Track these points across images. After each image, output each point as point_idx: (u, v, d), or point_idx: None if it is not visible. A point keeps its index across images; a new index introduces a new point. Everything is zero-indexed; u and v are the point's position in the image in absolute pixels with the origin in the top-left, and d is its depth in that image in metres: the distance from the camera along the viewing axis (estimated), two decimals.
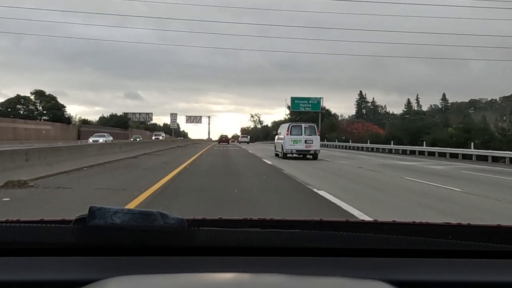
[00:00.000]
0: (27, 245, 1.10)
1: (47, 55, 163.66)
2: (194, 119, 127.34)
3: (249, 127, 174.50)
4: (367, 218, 6.62)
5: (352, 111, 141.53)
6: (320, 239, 1.13)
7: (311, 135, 24.57)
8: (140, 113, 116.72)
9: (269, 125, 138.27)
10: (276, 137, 28.30)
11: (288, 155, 24.55)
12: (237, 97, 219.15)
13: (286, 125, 26.28)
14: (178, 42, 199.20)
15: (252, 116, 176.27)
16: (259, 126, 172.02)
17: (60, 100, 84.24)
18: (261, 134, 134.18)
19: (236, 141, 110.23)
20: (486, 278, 1.08)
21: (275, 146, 28.09)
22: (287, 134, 24.44)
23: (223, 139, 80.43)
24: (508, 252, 1.15)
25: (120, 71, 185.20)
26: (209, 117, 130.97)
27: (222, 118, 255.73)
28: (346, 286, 1.00)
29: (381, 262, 1.13)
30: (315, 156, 24.33)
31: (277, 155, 26.70)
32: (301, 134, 24.37)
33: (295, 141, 24.25)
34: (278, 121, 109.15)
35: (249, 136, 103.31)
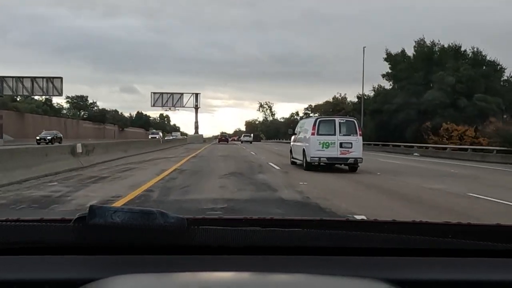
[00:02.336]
0: (27, 244, 1.10)
1: (37, 48, 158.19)
2: (169, 99, 73.95)
3: (256, 120, 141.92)
4: None
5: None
6: (320, 238, 1.13)
7: (349, 134, 16.08)
8: (34, 78, 51.67)
9: (301, 114, 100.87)
10: (293, 138, 19.82)
11: (314, 163, 16.07)
12: (236, 92, 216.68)
13: (311, 120, 17.87)
14: (170, 34, 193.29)
15: (261, 106, 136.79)
16: (270, 118, 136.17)
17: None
18: (283, 127, 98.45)
19: (236, 138, 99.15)
20: (486, 278, 1.08)
21: (291, 150, 19.80)
22: (312, 134, 16.09)
23: (223, 138, 74.05)
24: (508, 251, 1.15)
25: (114, 65, 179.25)
26: (196, 95, 77.13)
27: (222, 113, 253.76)
28: (346, 285, 1.00)
29: (381, 261, 1.13)
30: (353, 167, 16.14)
31: (293, 163, 18.75)
32: (334, 134, 16.00)
33: (325, 144, 15.87)
34: (316, 105, 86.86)
35: (252, 135, 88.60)
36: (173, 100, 76.58)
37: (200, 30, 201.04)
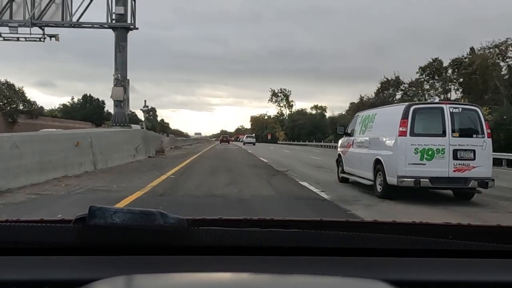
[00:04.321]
0: (27, 244, 1.10)
1: (25, 42, 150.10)
2: None
3: (265, 115, 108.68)
4: None
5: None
6: (320, 239, 1.13)
7: (469, 134, 9.20)
8: None
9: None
10: (342, 141, 13.20)
11: (403, 185, 9.03)
12: (234, 89, 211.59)
13: (396, 109, 10.08)
14: (163, 28, 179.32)
15: (274, 95, 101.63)
16: (287, 111, 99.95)
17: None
18: (330, 123, 66.57)
19: (234, 139, 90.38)
20: (486, 278, 1.08)
21: (338, 160, 13.08)
22: (402, 134, 9.14)
23: (224, 139, 71.66)
24: (508, 252, 1.15)
25: (106, 60, 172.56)
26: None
27: (221, 111, 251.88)
28: (346, 286, 1.01)
29: (381, 262, 1.13)
30: (468, 192, 9.49)
31: (344, 180, 12.35)
32: (444, 134, 9.06)
33: (426, 152, 8.98)
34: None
35: (254, 134, 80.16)
36: None
37: (194, 23, 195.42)
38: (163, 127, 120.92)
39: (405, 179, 8.88)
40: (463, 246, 1.15)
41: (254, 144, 63.05)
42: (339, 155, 13.12)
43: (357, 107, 52.47)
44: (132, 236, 1.06)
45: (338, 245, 1.14)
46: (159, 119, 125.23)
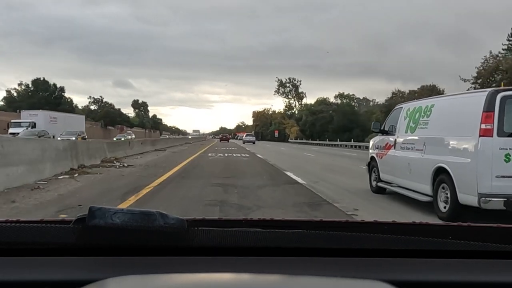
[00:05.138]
0: (27, 245, 1.11)
1: (19, 39, 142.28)
2: None
3: (269, 110, 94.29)
4: None
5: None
6: (321, 239, 1.13)
7: None
8: None
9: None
10: (376, 140, 10.65)
11: (487, 207, 6.13)
12: (232, 86, 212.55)
13: (476, 96, 6.85)
14: (159, 24, 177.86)
15: (282, 86, 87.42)
16: (296, 103, 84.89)
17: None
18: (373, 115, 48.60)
19: (231, 136, 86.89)
20: (486, 278, 1.08)
21: (371, 165, 10.69)
22: (486, 134, 6.18)
23: (224, 137, 71.07)
24: (508, 252, 1.15)
25: (103, 57, 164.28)
26: None
27: (220, 108, 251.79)
28: (346, 286, 1.01)
29: (381, 262, 1.13)
30: None
31: (380, 190, 9.95)
32: None
33: None
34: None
35: (254, 132, 76.47)
36: None
37: (190, 20, 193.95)
38: (156, 124, 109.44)
39: (491, 199, 6.21)
40: (463, 246, 1.15)
41: (254, 143, 57.99)
42: (372, 158, 10.53)
43: (487, 76, 34.84)
44: (132, 237, 1.06)
45: (339, 245, 1.14)
46: (151, 115, 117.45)
